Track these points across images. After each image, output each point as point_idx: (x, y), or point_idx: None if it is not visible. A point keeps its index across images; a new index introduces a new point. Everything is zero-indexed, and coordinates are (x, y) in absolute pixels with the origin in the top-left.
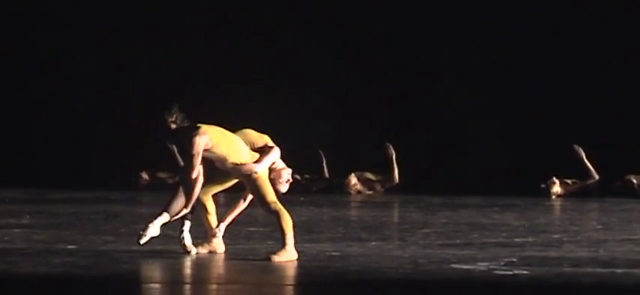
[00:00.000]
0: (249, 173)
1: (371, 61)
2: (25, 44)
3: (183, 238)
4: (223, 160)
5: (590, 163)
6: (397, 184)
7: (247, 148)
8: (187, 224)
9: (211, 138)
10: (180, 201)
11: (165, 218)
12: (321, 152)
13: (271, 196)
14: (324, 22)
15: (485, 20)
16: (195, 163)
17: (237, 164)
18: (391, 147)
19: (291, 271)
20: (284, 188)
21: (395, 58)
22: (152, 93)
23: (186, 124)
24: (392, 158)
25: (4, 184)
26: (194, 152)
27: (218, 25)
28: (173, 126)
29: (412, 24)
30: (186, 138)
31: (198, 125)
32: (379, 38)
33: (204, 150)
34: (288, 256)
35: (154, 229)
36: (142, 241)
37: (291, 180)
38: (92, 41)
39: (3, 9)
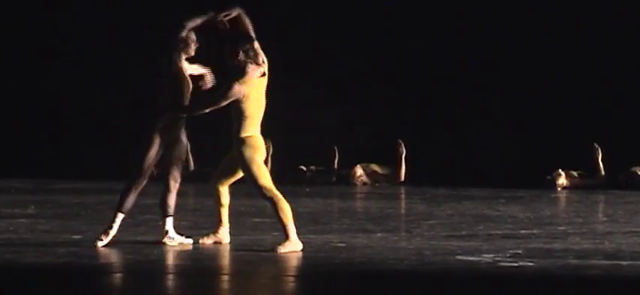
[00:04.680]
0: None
1: (379, 52)
2: (31, 34)
3: (168, 234)
4: (243, 115)
5: (603, 163)
6: (402, 182)
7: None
8: (169, 220)
9: (248, 91)
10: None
11: (121, 217)
12: (336, 148)
13: (265, 181)
14: (336, 15)
15: (491, 12)
16: (220, 105)
17: (242, 127)
18: (403, 145)
19: (296, 262)
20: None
21: (403, 48)
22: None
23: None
24: (401, 156)
25: (9, 174)
26: (230, 96)
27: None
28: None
29: (420, 18)
30: (229, 80)
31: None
32: (388, 32)
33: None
34: (292, 247)
35: (113, 231)
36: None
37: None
38: (97, 32)
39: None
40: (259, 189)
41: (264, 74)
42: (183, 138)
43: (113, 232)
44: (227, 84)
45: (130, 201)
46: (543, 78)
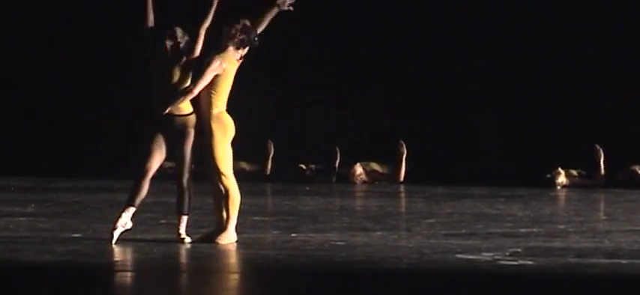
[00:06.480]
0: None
1: (379, 51)
2: (31, 32)
3: (181, 233)
4: (214, 90)
5: (604, 164)
6: (401, 182)
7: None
8: (184, 219)
9: (226, 67)
10: (143, 192)
11: (132, 210)
12: (337, 148)
13: (226, 166)
14: (336, 13)
15: (491, 12)
16: (206, 78)
17: (212, 102)
18: (404, 145)
19: (296, 261)
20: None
21: (404, 48)
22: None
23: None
24: (402, 156)
25: (9, 172)
26: (210, 69)
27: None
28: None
29: (422, 17)
30: (209, 54)
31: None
32: (389, 31)
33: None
34: (229, 238)
35: (125, 220)
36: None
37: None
38: (97, 29)
39: None
40: (218, 172)
41: (240, 59)
42: (191, 134)
43: (121, 225)
44: (208, 59)
45: (139, 195)
46: (543, 76)
